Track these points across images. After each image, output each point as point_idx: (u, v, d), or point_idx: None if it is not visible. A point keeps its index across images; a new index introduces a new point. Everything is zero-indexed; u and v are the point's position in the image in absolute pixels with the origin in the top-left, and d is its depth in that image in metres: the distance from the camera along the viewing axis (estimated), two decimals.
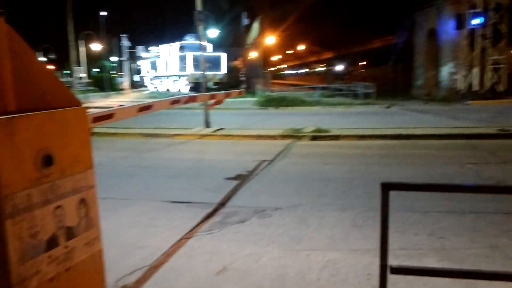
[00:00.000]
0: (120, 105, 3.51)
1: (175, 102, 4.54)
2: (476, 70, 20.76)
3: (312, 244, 3.93)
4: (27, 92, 2.00)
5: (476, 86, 20.83)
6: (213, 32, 23.12)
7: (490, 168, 6.81)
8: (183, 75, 31.10)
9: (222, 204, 5.24)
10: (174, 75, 32.24)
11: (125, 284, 3.24)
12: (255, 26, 31.54)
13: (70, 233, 2.13)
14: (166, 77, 33.68)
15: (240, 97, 18.09)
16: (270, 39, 32.73)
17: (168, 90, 33.29)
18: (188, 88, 31.04)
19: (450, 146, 9.01)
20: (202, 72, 12.05)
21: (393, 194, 5.70)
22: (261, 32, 30.90)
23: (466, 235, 4.03)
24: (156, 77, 35.45)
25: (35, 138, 1.93)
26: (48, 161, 1.98)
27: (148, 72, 36.97)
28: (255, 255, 3.67)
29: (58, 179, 2.05)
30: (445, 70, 22.91)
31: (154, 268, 3.52)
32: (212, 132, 10.89)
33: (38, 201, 1.93)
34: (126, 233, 4.35)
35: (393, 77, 33.90)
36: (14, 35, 1.94)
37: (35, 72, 2.05)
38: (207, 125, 11.41)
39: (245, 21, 31.83)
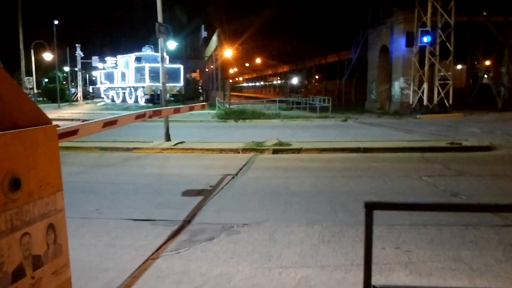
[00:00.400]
0: (84, 120, 3.35)
1: (140, 116, 4.41)
2: (425, 86, 21.80)
3: (283, 261, 3.89)
4: None
5: (425, 101, 21.85)
6: (171, 44, 22.89)
7: (445, 181, 7.09)
8: (140, 87, 30.50)
9: (187, 221, 5.11)
10: (131, 87, 31.53)
11: None
12: (214, 38, 31.57)
13: (37, 262, 1.98)
14: (122, 89, 32.88)
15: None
16: (228, 52, 32.87)
17: (124, 101, 32.50)
18: (144, 99, 30.47)
19: (406, 159, 9.34)
20: (160, 84, 11.85)
21: (357, 207, 5.79)
22: (220, 45, 30.98)
23: (430, 248, 4.14)
24: (111, 88, 34.51)
25: (1, 160, 1.78)
26: (15, 184, 1.83)
27: (103, 83, 35.92)
28: (227, 275, 3.59)
29: (26, 204, 1.89)
30: (397, 85, 23.90)
31: None
32: (173, 145, 10.69)
33: (4, 229, 1.77)
34: (87, 255, 4.12)
35: (347, 91, 35.02)
36: None
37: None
38: (168, 138, 11.20)
39: (204, 34, 31.77)
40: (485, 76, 28.08)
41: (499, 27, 23.53)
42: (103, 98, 36.36)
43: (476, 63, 32.58)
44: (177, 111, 5.90)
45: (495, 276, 3.50)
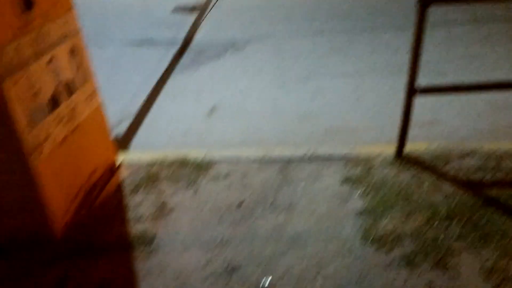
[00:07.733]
0: None
1: None
2: None
3: (295, 73, 3.84)
4: None
5: None
6: None
7: None
8: None
9: (187, 41, 4.88)
10: None
11: (116, 135, 3.06)
12: None
13: (69, 89, 1.85)
14: None
15: None
16: None
17: None
18: None
19: None
20: None
21: (361, 12, 5.49)
22: None
23: (442, 46, 4.09)
24: None
25: None
26: (28, 3, 1.57)
27: None
28: (245, 90, 3.56)
29: (43, 26, 1.66)
30: None
31: (142, 114, 3.34)
32: None
33: (29, 54, 1.58)
34: None
35: None
36: None
37: None
38: None
39: None
40: None
41: None
42: None
43: None
44: None
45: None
